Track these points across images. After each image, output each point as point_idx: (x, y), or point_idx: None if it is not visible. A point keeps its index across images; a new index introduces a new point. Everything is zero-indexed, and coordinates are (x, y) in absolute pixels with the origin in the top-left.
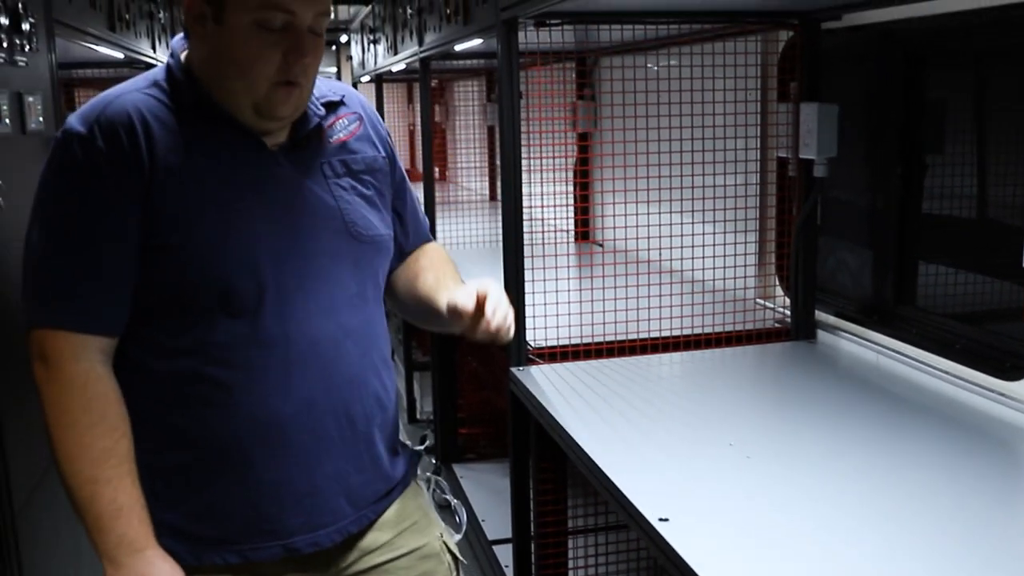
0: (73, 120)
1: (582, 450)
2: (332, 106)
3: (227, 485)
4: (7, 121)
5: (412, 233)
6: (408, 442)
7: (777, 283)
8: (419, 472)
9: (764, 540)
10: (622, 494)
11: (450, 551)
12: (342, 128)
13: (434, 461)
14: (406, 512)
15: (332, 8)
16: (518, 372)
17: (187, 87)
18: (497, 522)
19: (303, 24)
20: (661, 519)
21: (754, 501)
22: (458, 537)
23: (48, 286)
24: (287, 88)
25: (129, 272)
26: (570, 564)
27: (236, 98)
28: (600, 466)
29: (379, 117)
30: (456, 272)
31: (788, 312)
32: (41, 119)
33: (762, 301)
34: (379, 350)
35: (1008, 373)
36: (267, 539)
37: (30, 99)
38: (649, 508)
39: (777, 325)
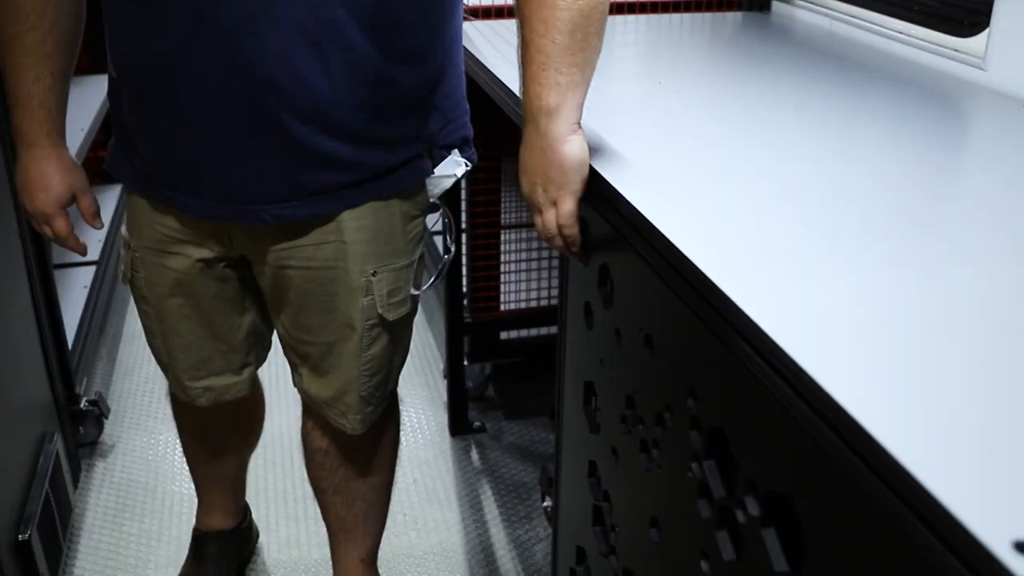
0: None
1: (505, 87)
2: None
3: (136, 114)
4: None
5: None
6: (432, 162)
7: None
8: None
9: (684, 172)
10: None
11: (378, 296)
12: None
13: None
14: (345, 225)
15: None
16: None
17: None
18: None
19: None
20: None
21: (677, 136)
22: (425, 286)
23: None
24: None
25: None
26: (502, 257)
27: None
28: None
29: None
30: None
31: None
32: None
33: None
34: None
35: (965, 30)
36: (157, 186)
37: None
38: None
39: None
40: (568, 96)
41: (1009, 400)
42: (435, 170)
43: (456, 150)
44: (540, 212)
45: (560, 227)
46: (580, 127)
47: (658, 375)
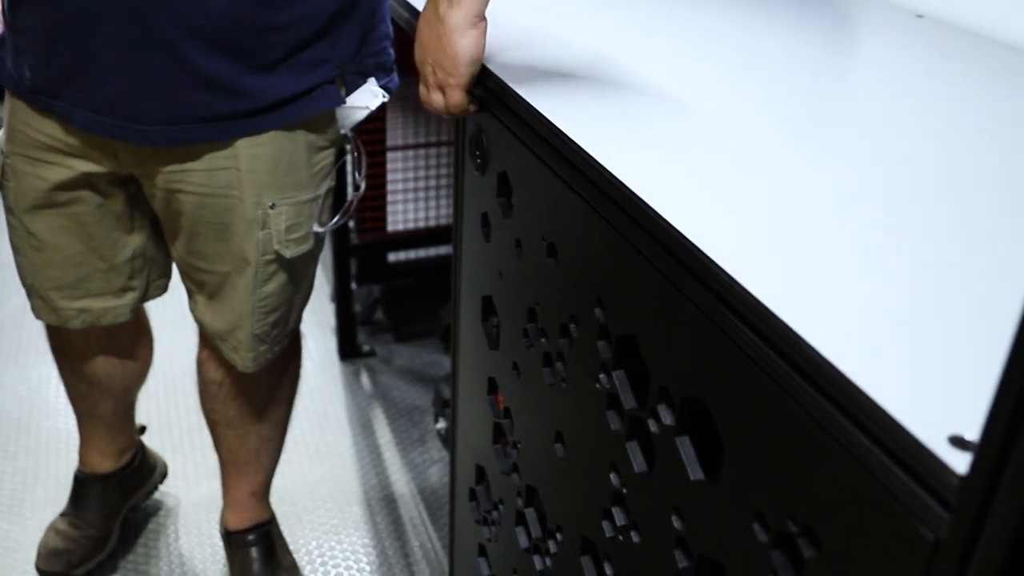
0: None
1: None
2: None
3: (15, 12)
4: None
5: None
6: (347, 86)
7: None
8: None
9: (583, 72)
10: None
11: (275, 231)
12: None
13: None
14: (242, 152)
15: None
16: None
17: None
18: None
19: None
20: None
21: (576, 35)
22: (331, 224)
23: None
24: None
25: None
26: (388, 176)
27: None
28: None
29: None
30: None
31: None
32: None
33: None
34: None
35: None
36: (39, 92)
37: None
38: None
39: None
40: None
41: (941, 293)
42: (347, 99)
43: (372, 78)
44: (427, 87)
45: (448, 110)
46: (483, 19)
47: (563, 285)
